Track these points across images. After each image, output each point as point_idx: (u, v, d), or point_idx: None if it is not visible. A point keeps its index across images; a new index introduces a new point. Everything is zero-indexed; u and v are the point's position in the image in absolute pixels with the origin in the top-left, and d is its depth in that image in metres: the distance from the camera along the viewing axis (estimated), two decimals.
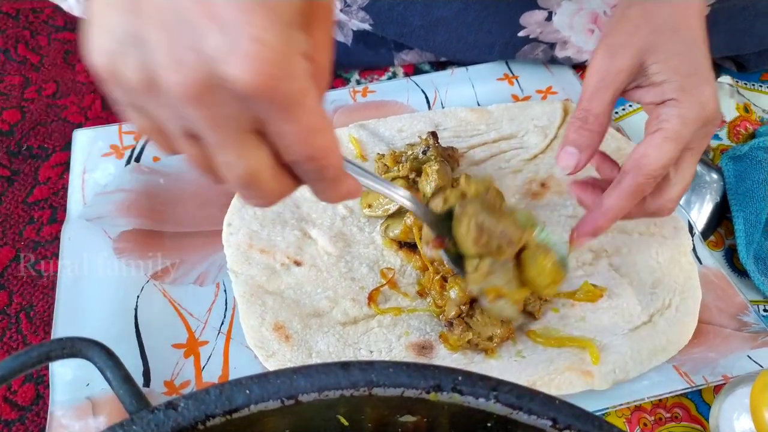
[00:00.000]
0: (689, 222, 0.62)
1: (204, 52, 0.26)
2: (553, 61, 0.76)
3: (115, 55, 0.28)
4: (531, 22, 0.71)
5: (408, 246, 0.59)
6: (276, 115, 0.28)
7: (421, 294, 0.57)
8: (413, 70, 0.80)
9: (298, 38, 0.28)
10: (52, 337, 0.53)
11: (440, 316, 0.54)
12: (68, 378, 0.50)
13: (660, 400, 0.54)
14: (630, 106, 0.75)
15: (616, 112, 0.75)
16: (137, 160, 0.66)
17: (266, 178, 0.30)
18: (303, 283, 0.56)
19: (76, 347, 0.32)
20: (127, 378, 0.31)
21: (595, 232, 0.50)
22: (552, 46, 0.74)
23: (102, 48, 0.28)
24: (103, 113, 0.74)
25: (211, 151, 0.30)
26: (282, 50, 0.26)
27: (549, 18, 0.70)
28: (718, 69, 0.78)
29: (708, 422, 0.53)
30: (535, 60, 0.76)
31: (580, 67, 0.78)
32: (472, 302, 0.53)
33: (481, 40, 0.74)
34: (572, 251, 0.52)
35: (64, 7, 0.80)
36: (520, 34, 0.72)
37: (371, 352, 0.53)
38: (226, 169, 0.30)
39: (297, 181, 0.32)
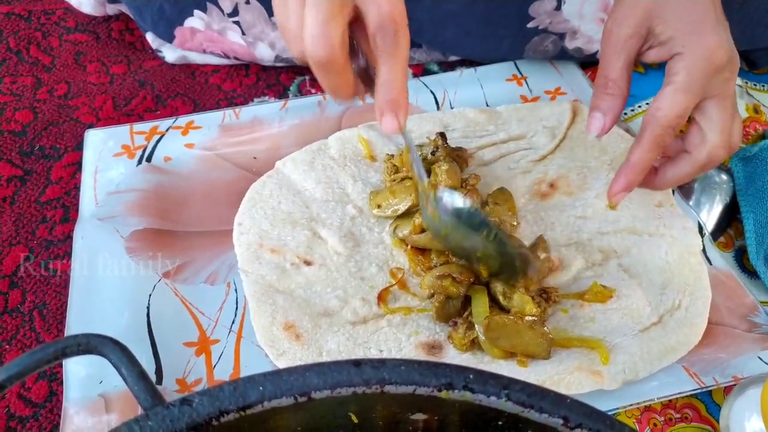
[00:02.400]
0: (699, 223, 0.62)
1: None
2: (562, 53, 0.76)
3: None
4: (540, 12, 0.71)
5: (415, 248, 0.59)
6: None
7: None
8: (421, 71, 0.80)
9: None
10: (65, 335, 0.54)
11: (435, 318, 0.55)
12: (81, 375, 0.51)
13: (670, 401, 0.54)
14: (639, 107, 0.75)
15: (626, 113, 0.74)
16: (148, 160, 0.66)
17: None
18: (313, 282, 0.57)
19: (91, 344, 0.32)
20: (142, 374, 0.31)
21: (628, 186, 0.54)
22: (562, 36, 0.73)
23: None
24: (115, 113, 0.74)
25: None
26: None
27: (558, 7, 0.70)
28: None
29: (718, 423, 0.53)
30: (544, 53, 0.75)
31: (588, 68, 0.78)
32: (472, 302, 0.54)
33: (490, 32, 0.74)
34: (612, 208, 0.60)
35: (74, 3, 0.80)
36: (530, 25, 0.72)
37: (381, 351, 0.53)
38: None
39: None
